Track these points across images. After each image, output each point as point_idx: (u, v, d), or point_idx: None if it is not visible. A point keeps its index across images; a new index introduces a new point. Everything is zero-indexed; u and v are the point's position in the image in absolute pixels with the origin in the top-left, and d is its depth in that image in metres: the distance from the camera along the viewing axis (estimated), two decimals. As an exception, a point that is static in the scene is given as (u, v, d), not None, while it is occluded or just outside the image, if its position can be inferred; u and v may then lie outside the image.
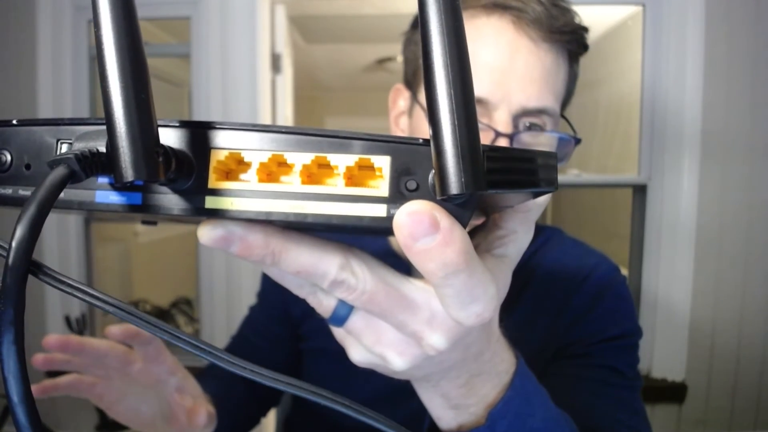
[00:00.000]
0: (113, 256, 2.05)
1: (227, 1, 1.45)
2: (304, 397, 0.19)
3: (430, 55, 0.16)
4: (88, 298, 0.16)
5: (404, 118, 0.61)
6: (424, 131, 0.54)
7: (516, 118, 0.50)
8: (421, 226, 0.17)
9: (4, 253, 0.14)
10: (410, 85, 0.59)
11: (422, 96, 0.56)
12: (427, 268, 0.18)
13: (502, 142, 0.50)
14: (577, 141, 0.55)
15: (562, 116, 0.57)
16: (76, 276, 1.55)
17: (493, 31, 0.50)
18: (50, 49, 1.50)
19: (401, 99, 0.62)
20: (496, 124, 0.50)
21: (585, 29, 0.53)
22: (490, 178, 0.17)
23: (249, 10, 1.45)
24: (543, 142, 0.53)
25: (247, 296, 1.47)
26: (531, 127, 0.51)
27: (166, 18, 1.57)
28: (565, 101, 0.57)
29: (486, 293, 0.20)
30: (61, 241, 1.54)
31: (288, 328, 0.68)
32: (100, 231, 1.76)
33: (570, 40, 0.51)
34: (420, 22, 0.16)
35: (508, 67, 0.49)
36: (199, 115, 1.49)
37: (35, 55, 1.50)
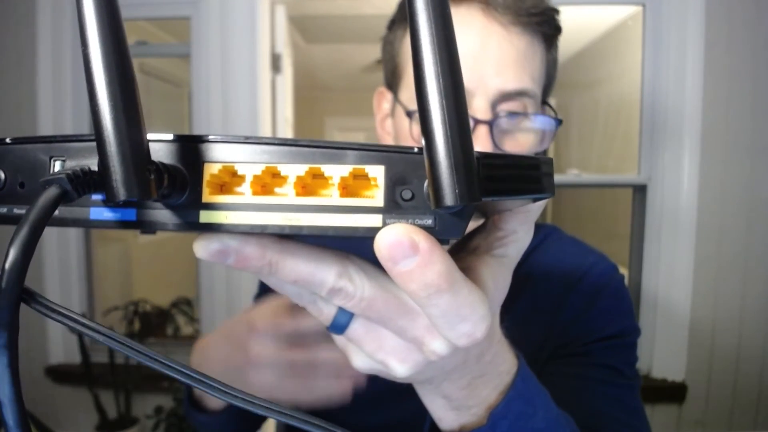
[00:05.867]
0: (113, 256, 2.06)
1: (227, 1, 1.45)
2: (296, 426, 0.19)
3: (421, 65, 0.16)
4: (79, 327, 0.16)
5: (389, 120, 0.61)
6: (405, 129, 0.54)
7: (495, 104, 0.50)
8: (400, 249, 0.17)
9: None
10: (390, 85, 0.59)
11: (402, 95, 0.56)
12: (409, 290, 0.18)
13: (482, 129, 0.49)
14: (559, 122, 0.55)
15: (545, 102, 0.57)
16: (76, 276, 1.56)
17: (463, 21, 0.50)
18: (50, 49, 1.50)
19: (385, 102, 0.62)
20: (474, 112, 0.49)
21: (555, 10, 0.53)
22: (486, 186, 0.17)
23: (249, 10, 1.45)
24: (524, 126, 0.53)
25: (247, 296, 1.48)
26: (510, 115, 0.51)
27: (166, 18, 1.57)
28: (547, 87, 0.57)
29: (475, 313, 0.20)
30: (61, 241, 1.54)
31: None
32: (100, 231, 1.76)
33: (541, 22, 0.51)
34: (410, 31, 0.16)
35: (481, 54, 0.49)
36: (199, 115, 1.49)
37: (35, 56, 1.50)
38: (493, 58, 0.49)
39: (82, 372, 1.52)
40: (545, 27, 0.52)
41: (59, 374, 1.56)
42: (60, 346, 1.57)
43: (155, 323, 1.73)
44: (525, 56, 0.51)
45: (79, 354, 1.52)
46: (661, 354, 1.51)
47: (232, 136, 0.18)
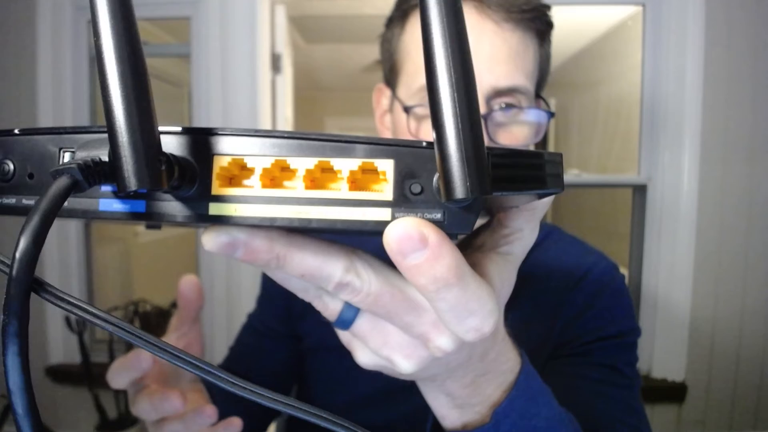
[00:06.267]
0: (113, 256, 2.05)
1: (227, 1, 1.45)
2: (304, 419, 0.19)
3: (432, 59, 0.16)
4: (88, 316, 0.16)
5: (388, 116, 0.62)
6: (403, 125, 0.55)
7: (489, 99, 0.51)
8: (409, 242, 0.17)
9: (8, 264, 0.13)
10: (389, 82, 0.60)
11: (400, 91, 0.56)
12: (418, 283, 0.19)
13: None
14: (551, 115, 0.56)
15: (539, 96, 0.58)
16: (76, 276, 1.55)
17: None
18: (50, 49, 1.49)
19: (384, 98, 0.63)
20: None
21: (546, 6, 0.54)
22: (496, 180, 0.17)
23: (249, 10, 1.45)
24: (518, 119, 0.54)
25: (247, 297, 1.47)
26: (505, 107, 0.52)
27: (166, 18, 1.57)
28: (541, 81, 0.58)
29: (483, 307, 0.20)
30: (61, 241, 1.54)
31: (289, 326, 0.68)
32: (100, 231, 1.76)
33: (533, 18, 0.52)
34: (422, 26, 0.16)
35: (474, 50, 0.50)
36: (199, 115, 1.49)
37: (35, 56, 1.50)
38: (486, 54, 0.50)
39: (82, 372, 1.52)
40: (537, 23, 0.53)
41: (59, 374, 1.56)
42: (60, 346, 1.57)
43: (155, 323, 1.73)
44: (517, 52, 0.52)
45: (79, 354, 1.52)
46: (661, 354, 1.51)
47: (242, 129, 0.18)
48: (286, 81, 1.61)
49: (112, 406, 1.54)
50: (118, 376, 0.40)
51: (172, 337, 0.46)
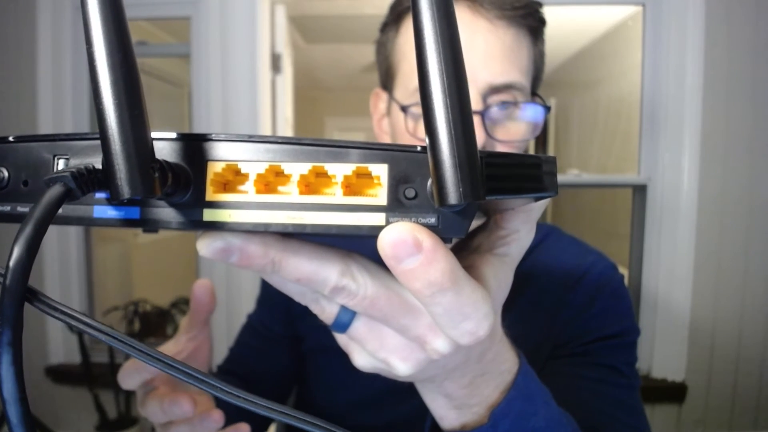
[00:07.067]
0: (113, 256, 2.05)
1: (227, 1, 1.45)
2: (299, 426, 0.19)
3: (425, 64, 0.16)
4: (81, 325, 0.16)
5: (386, 119, 0.62)
6: (401, 125, 0.55)
7: (485, 96, 0.51)
8: (403, 247, 0.17)
9: (1, 274, 0.13)
10: (385, 86, 0.60)
11: (397, 92, 0.57)
12: (413, 288, 0.19)
13: (474, 120, 0.50)
14: (548, 109, 0.56)
15: (535, 94, 0.58)
16: (76, 276, 1.56)
17: None
18: (50, 49, 1.50)
19: (381, 102, 0.64)
20: None
21: (538, 3, 0.55)
22: (489, 185, 0.17)
23: (249, 10, 1.45)
24: (515, 115, 0.54)
25: (247, 297, 1.47)
26: (502, 104, 0.52)
27: (166, 18, 1.57)
28: (536, 79, 0.58)
29: (477, 311, 0.20)
30: (61, 241, 1.54)
31: (289, 328, 0.68)
32: (100, 232, 1.76)
33: (525, 15, 0.53)
34: (414, 31, 0.16)
35: (468, 48, 0.50)
36: (199, 116, 1.49)
37: (35, 56, 1.50)
38: (480, 51, 0.51)
39: (82, 372, 1.52)
40: (530, 20, 0.53)
41: (59, 374, 1.56)
42: (60, 346, 1.57)
43: (155, 323, 1.73)
44: (512, 49, 0.52)
45: (79, 354, 1.52)
46: (661, 354, 1.51)
47: (235, 135, 0.18)
48: (286, 81, 1.61)
49: (112, 406, 1.54)
50: (129, 378, 0.40)
51: (182, 340, 0.47)
